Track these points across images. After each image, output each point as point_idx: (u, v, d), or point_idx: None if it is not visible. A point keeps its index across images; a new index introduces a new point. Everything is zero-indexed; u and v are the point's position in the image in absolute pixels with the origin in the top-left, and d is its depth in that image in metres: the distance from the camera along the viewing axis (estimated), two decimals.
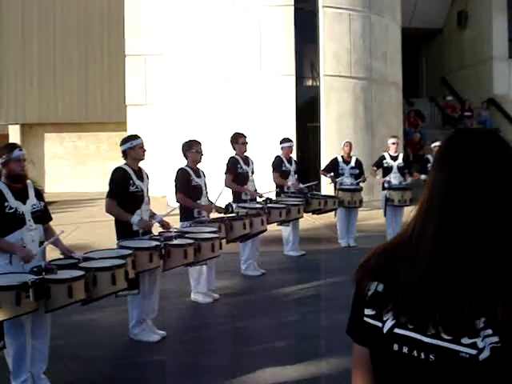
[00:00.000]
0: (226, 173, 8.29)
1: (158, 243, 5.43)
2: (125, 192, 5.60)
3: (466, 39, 22.92)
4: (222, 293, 7.29)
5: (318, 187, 13.10)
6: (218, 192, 7.06)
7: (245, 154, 8.48)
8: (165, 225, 6.12)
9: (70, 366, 5.06)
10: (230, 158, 8.40)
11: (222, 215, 7.38)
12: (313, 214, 10.01)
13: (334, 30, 15.59)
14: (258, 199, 8.55)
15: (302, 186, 9.67)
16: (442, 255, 1.29)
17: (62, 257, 4.87)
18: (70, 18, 22.78)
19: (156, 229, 6.15)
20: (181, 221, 6.99)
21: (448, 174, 1.34)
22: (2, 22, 22.78)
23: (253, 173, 8.54)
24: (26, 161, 4.58)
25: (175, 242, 5.63)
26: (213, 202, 7.32)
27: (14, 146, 4.64)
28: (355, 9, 15.86)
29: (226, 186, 8.21)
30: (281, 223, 8.74)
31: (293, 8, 15.31)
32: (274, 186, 9.48)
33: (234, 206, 8.02)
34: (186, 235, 6.04)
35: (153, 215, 6.03)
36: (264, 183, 9.31)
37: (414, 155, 17.81)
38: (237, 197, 8.28)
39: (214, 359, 5.28)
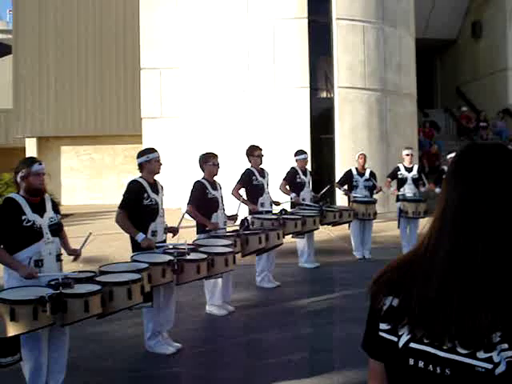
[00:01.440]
0: (237, 182, 8.32)
1: (171, 258, 5.41)
2: (139, 205, 5.62)
3: (481, 50, 22.87)
4: (237, 305, 7.28)
5: (332, 199, 13.11)
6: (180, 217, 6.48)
7: (260, 166, 8.51)
8: (171, 231, 6.11)
9: (86, 378, 5.07)
10: (246, 169, 8.43)
11: (238, 229, 7.37)
12: (328, 225, 9.99)
13: (347, 41, 15.63)
14: (274, 210, 8.56)
15: (316, 195, 9.67)
16: (457, 270, 1.29)
17: (78, 270, 4.91)
18: (86, 32, 23.04)
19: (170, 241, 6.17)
20: (197, 233, 7.01)
21: (460, 189, 1.35)
22: (18, 35, 23.07)
23: (268, 185, 8.56)
24: (44, 175, 4.63)
25: (188, 257, 5.60)
26: (230, 215, 7.34)
27: (33, 160, 4.68)
28: (369, 20, 15.90)
29: (232, 194, 8.22)
30: (296, 235, 8.74)
31: (307, 20, 15.37)
32: (288, 199, 9.48)
33: (250, 217, 8.03)
34: (200, 249, 6.04)
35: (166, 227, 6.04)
36: (279, 195, 9.32)
37: (429, 167, 17.74)
38: (252, 210, 8.29)
39: (228, 372, 5.27)
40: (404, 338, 1.35)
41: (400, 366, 1.36)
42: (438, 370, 1.29)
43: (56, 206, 4.81)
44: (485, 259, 1.28)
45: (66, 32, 22.99)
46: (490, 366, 1.23)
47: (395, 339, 1.37)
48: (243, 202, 8.20)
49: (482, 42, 22.83)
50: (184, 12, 17.70)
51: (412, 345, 1.33)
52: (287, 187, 9.49)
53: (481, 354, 1.24)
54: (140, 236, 5.54)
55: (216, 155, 7.20)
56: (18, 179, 4.54)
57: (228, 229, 7.35)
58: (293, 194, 9.39)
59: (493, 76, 22.09)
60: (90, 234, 5.06)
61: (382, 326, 1.40)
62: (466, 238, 1.30)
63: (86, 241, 4.99)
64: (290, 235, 8.56)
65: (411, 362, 1.33)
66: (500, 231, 1.29)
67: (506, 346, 1.22)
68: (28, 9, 22.99)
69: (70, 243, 5.00)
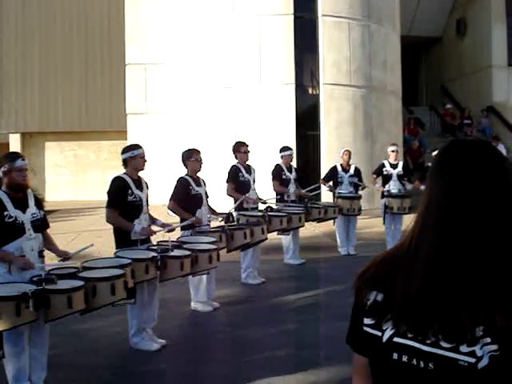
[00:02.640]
0: (227, 181, 8.32)
1: (154, 254, 5.39)
2: (123, 201, 5.60)
3: (465, 47, 22.99)
4: (221, 301, 7.28)
5: (317, 195, 13.13)
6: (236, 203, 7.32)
7: (247, 162, 8.50)
8: (168, 227, 6.13)
9: (70, 375, 5.05)
10: (232, 166, 8.43)
11: (223, 224, 7.37)
12: (313, 222, 10.01)
13: (333, 38, 15.65)
14: (260, 207, 8.57)
15: (303, 191, 9.66)
16: (441, 264, 1.30)
17: (60, 266, 4.86)
18: (70, 27, 22.85)
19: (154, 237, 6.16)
20: (181, 230, 7.00)
21: (444, 185, 1.36)
22: (2, 30, 22.84)
23: (254, 181, 8.56)
24: (27, 170, 4.58)
25: (172, 253, 5.59)
26: (215, 210, 7.36)
27: (16, 156, 4.63)
28: (355, 17, 15.92)
29: (228, 194, 8.24)
30: (281, 232, 8.74)
31: (292, 17, 15.37)
32: (274, 194, 9.48)
33: (235, 214, 8.03)
34: (184, 246, 6.03)
35: (153, 221, 6.05)
36: (265, 191, 9.31)
37: (413, 163, 17.82)
38: (238, 205, 8.28)
39: (213, 368, 5.27)
40: (388, 333, 1.35)
41: (384, 360, 1.36)
42: (422, 364, 1.29)
43: (39, 202, 4.77)
44: (468, 254, 1.28)
45: (51, 27, 22.79)
46: (472, 360, 1.24)
47: (379, 334, 1.37)
48: (236, 196, 8.20)
49: (466, 39, 22.94)
50: (169, 8, 17.63)
51: (396, 339, 1.34)
52: (280, 186, 9.46)
53: (464, 348, 1.25)
54: (137, 227, 5.54)
55: (199, 151, 7.20)
56: (1, 174, 4.50)
57: (212, 224, 7.35)
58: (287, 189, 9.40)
59: (477, 73, 22.22)
60: (92, 245, 5.07)
61: (367, 320, 1.41)
62: (448, 233, 1.31)
63: (83, 249, 4.95)
64: (276, 232, 8.57)
65: (395, 356, 1.33)
66: (482, 226, 1.29)
67: (488, 340, 1.23)
68: (12, 3, 22.78)
69: (56, 244, 4.95)
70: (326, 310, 7.06)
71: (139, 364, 5.27)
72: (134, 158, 5.78)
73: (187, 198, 6.92)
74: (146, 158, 5.90)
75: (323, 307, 7.26)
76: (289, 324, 6.55)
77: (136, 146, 5.95)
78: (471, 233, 1.29)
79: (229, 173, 8.38)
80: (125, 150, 5.88)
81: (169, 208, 7.06)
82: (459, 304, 1.26)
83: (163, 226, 6.17)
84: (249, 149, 8.52)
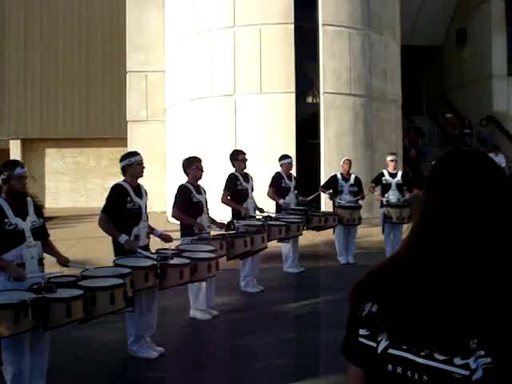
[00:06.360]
0: (223, 189, 8.32)
1: (153, 262, 5.38)
2: (122, 209, 5.61)
3: (466, 57, 23.03)
4: (221, 309, 7.27)
5: (317, 204, 13.14)
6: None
7: (244, 170, 8.51)
8: (166, 238, 6.12)
9: (69, 383, 5.04)
10: (230, 174, 8.43)
11: (223, 232, 7.38)
12: (312, 230, 10.01)
13: (333, 47, 15.68)
14: (258, 216, 8.57)
15: (305, 198, 9.66)
16: (435, 276, 1.31)
17: (60, 274, 4.87)
18: (72, 34, 22.93)
19: (153, 245, 6.16)
20: (181, 237, 7.01)
21: (438, 196, 1.37)
22: (4, 37, 22.92)
23: (252, 190, 8.57)
24: (27, 178, 4.60)
25: (171, 261, 5.59)
26: (214, 219, 7.36)
27: (16, 164, 4.65)
28: (355, 27, 15.96)
29: (222, 202, 8.24)
30: (280, 240, 8.74)
31: (293, 26, 15.40)
32: (273, 204, 9.49)
33: (235, 222, 8.04)
34: (183, 254, 6.02)
35: (152, 230, 6.04)
36: (264, 200, 9.32)
37: (412, 172, 17.81)
38: (236, 213, 8.29)
39: (212, 376, 5.26)
40: (383, 344, 1.36)
41: (378, 371, 1.36)
42: (416, 376, 1.29)
43: (39, 210, 4.78)
44: (462, 265, 1.29)
45: (52, 34, 22.87)
46: (466, 373, 1.24)
47: (374, 345, 1.37)
48: (234, 207, 8.21)
49: (467, 49, 22.99)
50: (170, 16, 17.69)
51: (390, 351, 1.34)
52: (275, 193, 9.48)
53: (458, 361, 1.25)
54: (123, 237, 5.52)
55: (200, 159, 7.22)
56: (0, 182, 4.51)
57: (212, 232, 7.36)
58: (281, 200, 9.38)
59: (477, 83, 22.24)
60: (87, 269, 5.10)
61: (362, 331, 1.41)
62: (443, 245, 1.32)
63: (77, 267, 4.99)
64: (275, 240, 8.57)
65: (389, 367, 1.34)
66: (477, 238, 1.30)
67: (482, 352, 1.23)
68: (14, 10, 22.87)
69: (58, 250, 4.98)
70: (325, 319, 7.06)
71: (138, 372, 5.27)
72: (131, 165, 5.79)
73: (188, 205, 6.94)
74: (144, 164, 5.91)
75: (322, 316, 7.25)
76: (288, 332, 6.55)
77: (133, 153, 5.96)
78: (466, 243, 1.30)
79: (226, 181, 8.38)
80: (123, 158, 5.89)
81: (173, 216, 7.08)
82: (453, 316, 1.26)
83: (161, 236, 6.13)
84: (246, 157, 8.53)
